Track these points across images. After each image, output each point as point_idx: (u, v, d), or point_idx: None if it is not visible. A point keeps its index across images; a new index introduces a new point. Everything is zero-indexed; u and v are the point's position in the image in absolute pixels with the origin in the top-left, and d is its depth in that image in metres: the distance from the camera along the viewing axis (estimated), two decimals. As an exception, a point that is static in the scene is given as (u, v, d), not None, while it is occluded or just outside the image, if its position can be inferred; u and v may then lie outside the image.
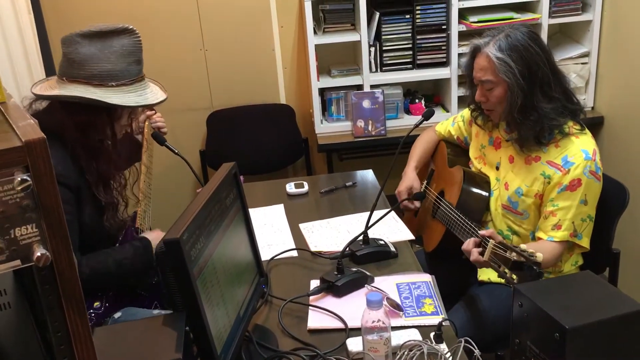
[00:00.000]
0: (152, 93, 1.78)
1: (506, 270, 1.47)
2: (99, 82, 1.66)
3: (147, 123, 2.15)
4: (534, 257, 1.41)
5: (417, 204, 2.20)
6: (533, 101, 1.77)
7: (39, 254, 0.66)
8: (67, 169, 1.67)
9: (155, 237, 1.84)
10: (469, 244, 1.66)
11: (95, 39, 1.65)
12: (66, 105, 1.68)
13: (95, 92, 1.65)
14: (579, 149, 1.78)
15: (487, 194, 1.97)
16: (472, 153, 2.13)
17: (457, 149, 2.25)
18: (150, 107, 1.83)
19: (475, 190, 1.98)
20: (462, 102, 3.00)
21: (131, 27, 1.70)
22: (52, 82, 1.73)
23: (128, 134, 2.07)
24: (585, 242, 1.82)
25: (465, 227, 1.79)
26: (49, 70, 2.66)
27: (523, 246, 1.46)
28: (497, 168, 1.98)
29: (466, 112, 2.16)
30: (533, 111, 1.78)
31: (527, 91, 1.76)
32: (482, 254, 1.60)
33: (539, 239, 1.84)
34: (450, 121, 2.27)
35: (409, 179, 2.21)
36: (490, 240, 1.56)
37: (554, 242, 1.79)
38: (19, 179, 0.65)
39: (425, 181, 2.31)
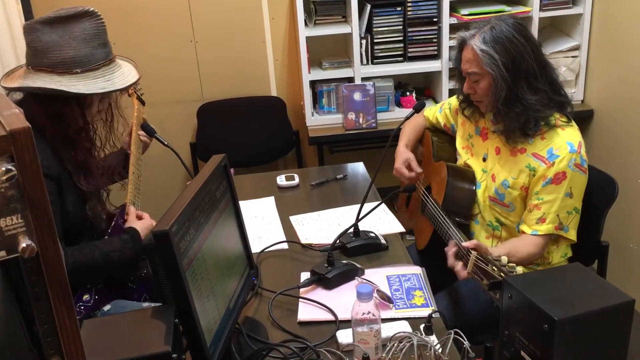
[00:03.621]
0: (121, 76, 1.72)
1: (487, 285, 1.46)
2: (63, 70, 1.61)
3: (135, 114, 2.14)
4: (513, 273, 1.40)
5: (415, 167, 2.15)
6: (517, 93, 1.77)
7: (24, 244, 0.65)
8: (48, 159, 1.64)
9: (143, 226, 1.82)
10: (450, 259, 1.65)
11: (56, 25, 1.60)
12: (35, 96, 1.64)
13: (60, 81, 1.61)
14: (564, 142, 1.78)
15: (473, 188, 1.97)
16: (459, 143, 2.13)
17: (442, 137, 2.24)
18: (123, 90, 1.78)
19: (460, 185, 1.97)
20: (453, 94, 2.99)
21: (92, 9, 1.65)
22: (21, 71, 1.68)
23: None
24: (572, 235, 1.82)
25: (449, 232, 1.79)
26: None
27: (504, 259, 1.44)
28: (485, 159, 1.99)
29: (453, 100, 2.16)
30: (517, 102, 1.78)
31: (511, 83, 1.76)
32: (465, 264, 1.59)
33: (523, 232, 1.84)
34: (438, 107, 2.27)
35: (404, 153, 2.19)
36: (472, 253, 1.54)
37: (538, 236, 1.80)
38: (4, 168, 0.64)
39: None
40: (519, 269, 1.42)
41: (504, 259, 1.44)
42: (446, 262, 1.68)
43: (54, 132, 1.68)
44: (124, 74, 1.73)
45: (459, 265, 1.62)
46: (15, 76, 1.69)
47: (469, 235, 1.96)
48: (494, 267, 1.43)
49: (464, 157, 2.08)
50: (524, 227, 1.84)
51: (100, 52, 1.67)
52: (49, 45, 1.60)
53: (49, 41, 1.60)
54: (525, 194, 1.85)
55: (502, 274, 1.39)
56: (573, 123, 1.85)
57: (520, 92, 1.77)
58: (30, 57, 1.64)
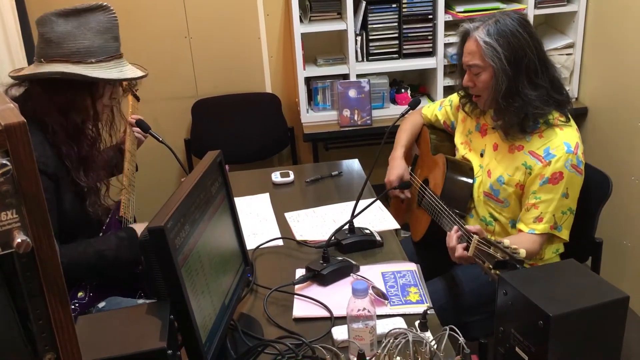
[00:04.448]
0: (131, 70, 1.75)
1: (490, 266, 1.47)
2: (77, 60, 1.63)
3: (130, 110, 2.13)
4: (517, 254, 1.41)
5: (407, 193, 2.19)
6: (518, 87, 1.77)
7: (19, 240, 0.65)
8: (45, 156, 1.64)
9: (141, 228, 1.81)
10: (451, 240, 1.66)
11: (71, 17, 1.63)
12: (46, 85, 1.65)
13: (75, 69, 1.63)
14: (561, 141, 1.79)
15: (471, 181, 1.98)
16: (458, 138, 2.13)
17: (441, 135, 2.25)
18: (131, 81, 1.80)
19: (459, 178, 1.98)
20: (448, 92, 3.00)
21: (106, 3, 1.68)
22: (31, 67, 1.70)
23: (118, 145, 2.04)
24: (564, 235, 1.83)
25: (450, 220, 1.80)
26: (30, 56, 2.62)
27: (506, 242, 1.46)
28: (482, 155, 1.99)
29: (454, 97, 2.16)
30: (517, 97, 1.78)
31: (512, 77, 1.76)
32: (466, 249, 1.60)
33: (520, 230, 1.85)
34: (437, 105, 2.26)
35: (399, 167, 2.19)
36: (474, 236, 1.56)
37: (535, 235, 1.81)
38: (-2, 163, 0.64)
39: (410, 168, 2.31)
40: (522, 251, 1.43)
41: (507, 242, 1.46)
42: (442, 252, 1.69)
43: (60, 122, 1.68)
44: (132, 69, 1.76)
45: (460, 249, 1.63)
46: (24, 71, 1.70)
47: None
48: (496, 250, 1.44)
49: (462, 151, 2.09)
50: (521, 226, 1.84)
51: (112, 46, 1.70)
52: (64, 36, 1.62)
53: (64, 32, 1.62)
54: (521, 191, 1.86)
55: (506, 256, 1.41)
56: (572, 123, 1.86)
57: (521, 87, 1.77)
58: (42, 49, 1.65)
